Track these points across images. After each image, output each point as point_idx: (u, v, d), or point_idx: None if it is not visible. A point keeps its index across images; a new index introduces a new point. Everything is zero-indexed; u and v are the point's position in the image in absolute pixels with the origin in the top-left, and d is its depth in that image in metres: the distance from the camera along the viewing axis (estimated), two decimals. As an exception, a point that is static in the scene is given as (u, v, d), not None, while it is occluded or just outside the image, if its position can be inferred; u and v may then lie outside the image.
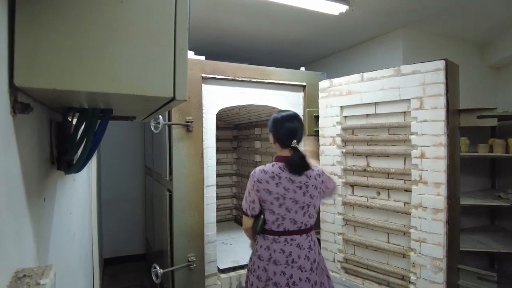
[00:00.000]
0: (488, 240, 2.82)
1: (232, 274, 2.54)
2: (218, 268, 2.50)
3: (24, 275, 0.47)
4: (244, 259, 2.71)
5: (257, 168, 1.73)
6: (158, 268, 2.28)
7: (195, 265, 2.33)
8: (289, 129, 1.72)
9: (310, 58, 4.20)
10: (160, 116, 2.19)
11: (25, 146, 0.56)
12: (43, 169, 0.70)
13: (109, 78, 0.49)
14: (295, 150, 1.73)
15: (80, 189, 1.56)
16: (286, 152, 1.75)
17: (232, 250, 3.02)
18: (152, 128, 2.23)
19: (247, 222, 1.76)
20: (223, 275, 2.50)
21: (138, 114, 0.79)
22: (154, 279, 2.29)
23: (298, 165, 1.70)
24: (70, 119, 0.79)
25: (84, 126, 0.72)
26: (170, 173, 2.36)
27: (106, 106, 0.68)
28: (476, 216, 3.33)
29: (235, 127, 4.13)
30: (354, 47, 3.64)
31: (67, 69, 0.47)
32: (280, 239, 1.66)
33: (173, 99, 0.53)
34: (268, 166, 1.71)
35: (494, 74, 3.55)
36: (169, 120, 2.30)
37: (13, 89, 0.47)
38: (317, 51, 3.87)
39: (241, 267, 2.61)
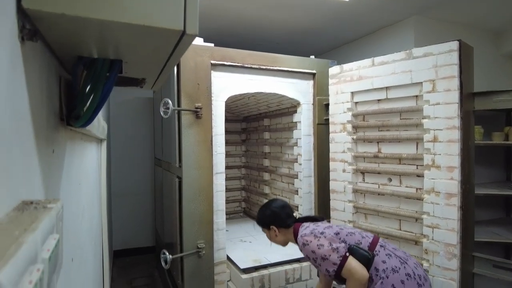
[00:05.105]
0: (504, 232, 2.75)
1: (254, 274, 2.32)
2: (239, 267, 2.35)
3: (32, 202, 0.46)
4: (267, 258, 2.49)
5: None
6: (167, 253, 2.28)
7: (204, 252, 2.32)
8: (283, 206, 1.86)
9: (320, 49, 4.17)
10: (170, 101, 2.20)
11: (33, 84, 0.55)
12: (52, 121, 0.70)
13: (119, 6, 0.48)
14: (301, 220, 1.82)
15: (89, 168, 1.57)
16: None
17: (252, 248, 2.78)
18: (162, 113, 2.24)
19: None
20: (244, 276, 2.30)
21: (147, 70, 0.78)
22: (163, 265, 2.29)
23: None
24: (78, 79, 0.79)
25: (93, 79, 0.71)
26: (180, 160, 2.36)
27: (115, 55, 0.68)
28: (491, 209, 3.25)
29: (244, 120, 4.13)
30: (364, 36, 3.60)
31: (76, -6, 0.46)
32: None
33: (183, 33, 0.52)
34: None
35: (509, 63, 3.47)
36: (179, 106, 2.30)
37: (21, 15, 0.47)
38: (327, 41, 3.84)
39: (264, 267, 2.40)
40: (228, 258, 2.51)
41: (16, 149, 0.48)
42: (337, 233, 1.60)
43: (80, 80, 0.77)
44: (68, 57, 0.68)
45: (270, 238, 1.88)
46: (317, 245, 1.54)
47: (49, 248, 0.34)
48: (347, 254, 1.50)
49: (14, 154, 0.47)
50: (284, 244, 1.87)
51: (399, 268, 1.49)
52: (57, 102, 0.75)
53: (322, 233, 1.58)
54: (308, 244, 1.58)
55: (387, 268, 1.49)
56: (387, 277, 1.47)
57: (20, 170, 0.50)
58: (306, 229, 1.66)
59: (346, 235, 1.59)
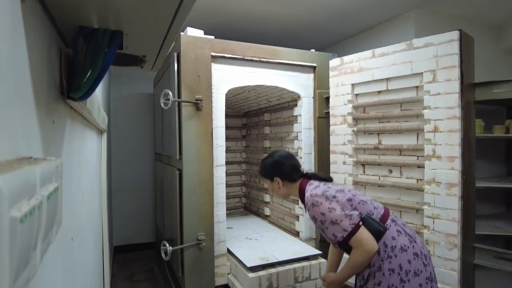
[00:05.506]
0: (505, 225, 2.75)
1: (261, 273, 2.20)
2: (246, 266, 2.26)
3: (31, 157, 0.46)
4: (274, 256, 2.37)
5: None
6: (167, 245, 2.28)
7: (204, 244, 2.32)
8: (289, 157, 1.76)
9: (320, 45, 4.17)
10: (170, 93, 2.20)
11: (33, 49, 0.55)
12: (52, 92, 0.70)
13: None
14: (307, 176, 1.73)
15: (89, 157, 1.57)
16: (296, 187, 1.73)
17: (259, 245, 2.66)
18: (162, 104, 2.24)
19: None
20: (251, 274, 2.18)
21: (148, 44, 0.78)
22: (163, 256, 2.29)
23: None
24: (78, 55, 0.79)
25: (94, 50, 0.71)
26: (180, 152, 2.36)
27: (116, 25, 0.68)
28: (492, 203, 3.25)
29: (244, 115, 4.13)
30: (364, 31, 3.60)
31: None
32: None
33: (183, -5, 0.53)
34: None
35: (510, 57, 3.46)
36: (179, 97, 2.30)
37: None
38: (327, 36, 3.84)
39: (271, 265, 2.29)
40: (234, 256, 2.46)
41: (16, 111, 0.48)
42: (349, 199, 1.53)
43: (81, 52, 0.77)
44: (68, 27, 0.69)
45: (272, 190, 1.80)
46: (328, 208, 1.48)
47: (48, 190, 0.34)
48: (360, 223, 1.45)
49: (14, 116, 0.47)
50: (285, 197, 1.80)
51: (408, 247, 1.46)
52: (57, 74, 0.75)
53: (334, 196, 1.51)
54: (317, 206, 1.50)
55: (395, 246, 1.46)
56: (395, 256, 1.44)
57: (20, 132, 0.50)
58: (316, 188, 1.57)
59: (359, 203, 1.53)
